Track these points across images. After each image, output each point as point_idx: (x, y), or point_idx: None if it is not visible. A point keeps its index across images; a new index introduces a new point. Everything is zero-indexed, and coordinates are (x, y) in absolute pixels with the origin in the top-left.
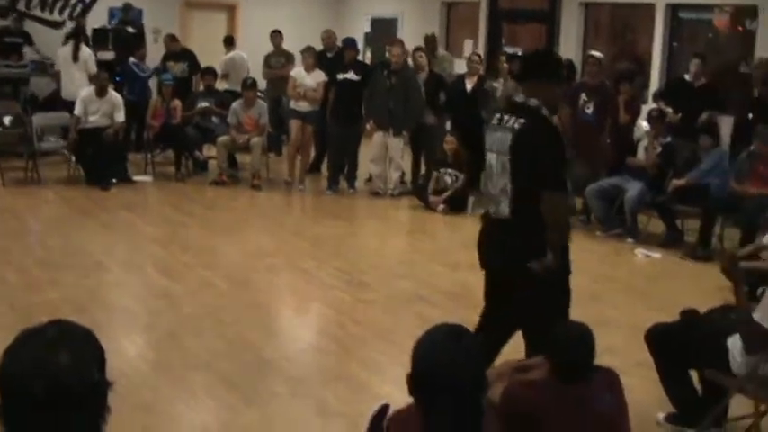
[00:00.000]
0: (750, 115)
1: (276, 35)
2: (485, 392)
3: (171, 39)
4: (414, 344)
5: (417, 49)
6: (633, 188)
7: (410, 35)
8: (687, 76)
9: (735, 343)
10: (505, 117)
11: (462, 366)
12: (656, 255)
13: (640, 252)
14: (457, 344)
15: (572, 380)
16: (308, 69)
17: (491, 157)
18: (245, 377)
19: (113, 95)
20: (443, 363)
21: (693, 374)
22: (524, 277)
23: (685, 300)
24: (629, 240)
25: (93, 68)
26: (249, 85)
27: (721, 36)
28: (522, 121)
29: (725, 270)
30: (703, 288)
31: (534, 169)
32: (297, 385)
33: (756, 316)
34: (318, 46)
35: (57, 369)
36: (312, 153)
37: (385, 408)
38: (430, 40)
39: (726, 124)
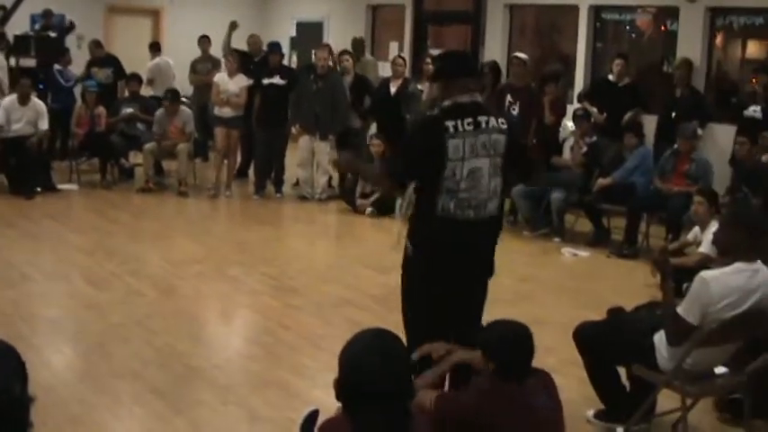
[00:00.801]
0: (673, 114)
1: (204, 40)
2: (412, 397)
3: (96, 45)
4: (341, 350)
5: (343, 52)
6: (559, 188)
7: (336, 38)
8: (611, 77)
9: (661, 339)
10: (480, 119)
11: (388, 372)
12: (584, 253)
13: (567, 251)
14: (383, 349)
15: (511, 380)
16: (231, 74)
17: (477, 162)
18: (173, 386)
19: (36, 103)
20: (370, 369)
21: (621, 371)
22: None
23: (614, 297)
24: (556, 240)
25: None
26: (170, 97)
27: (644, 36)
28: (502, 120)
29: (656, 263)
30: (630, 286)
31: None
32: (226, 393)
33: (680, 310)
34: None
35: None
36: (239, 158)
37: (315, 413)
38: (358, 44)
39: (649, 123)
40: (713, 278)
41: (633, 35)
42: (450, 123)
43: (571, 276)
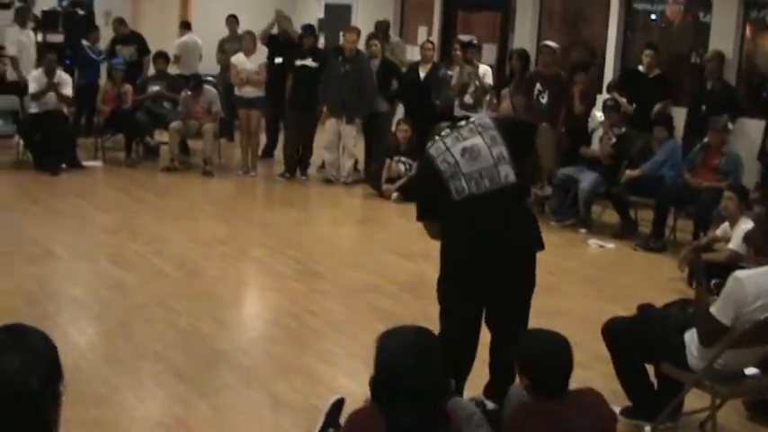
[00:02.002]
0: (703, 107)
1: (232, 20)
2: (447, 397)
3: (119, 22)
4: (377, 347)
5: (371, 36)
6: (587, 179)
7: (364, 21)
8: (641, 67)
9: (692, 337)
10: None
11: (424, 371)
12: (610, 245)
13: (594, 243)
14: (419, 348)
15: (547, 397)
16: (248, 53)
17: (467, 143)
18: (196, 368)
19: (62, 76)
20: (405, 367)
21: (650, 369)
22: (528, 247)
23: (640, 291)
24: (583, 231)
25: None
26: (193, 83)
27: (673, 27)
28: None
29: (688, 261)
30: (657, 279)
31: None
32: (249, 377)
33: (713, 310)
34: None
35: (4, 374)
36: (263, 139)
37: (341, 401)
38: (382, 26)
39: (678, 116)
40: (748, 278)
41: (663, 25)
42: (435, 148)
43: (597, 268)
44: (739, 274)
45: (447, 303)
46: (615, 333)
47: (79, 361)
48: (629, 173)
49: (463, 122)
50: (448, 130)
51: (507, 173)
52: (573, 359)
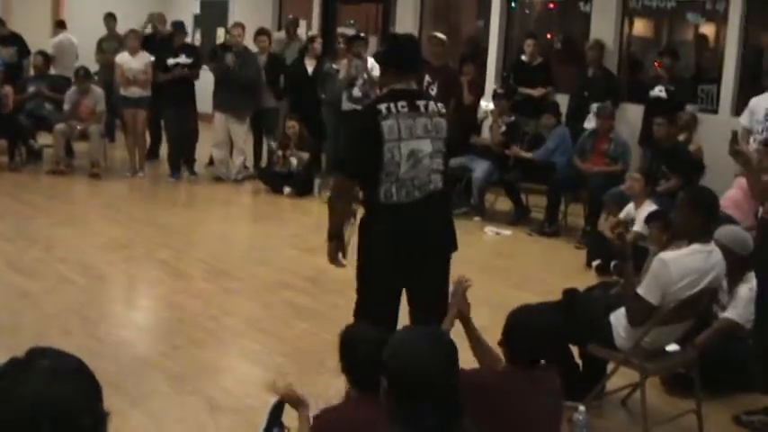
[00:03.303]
0: (585, 93)
1: (109, 18)
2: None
3: None
4: (388, 351)
5: (260, 32)
6: (480, 167)
7: (240, 17)
8: (524, 57)
9: (618, 318)
10: (418, 102)
11: (445, 374)
12: (506, 232)
13: (490, 230)
14: (439, 351)
15: (521, 366)
16: (133, 52)
17: (418, 144)
18: (125, 377)
19: None
20: (428, 372)
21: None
22: (448, 248)
23: (541, 275)
24: (477, 219)
25: None
26: (82, 75)
27: (556, 17)
28: (441, 104)
29: (615, 244)
30: (556, 263)
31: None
32: (180, 382)
33: (640, 290)
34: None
35: (63, 403)
36: (147, 139)
37: (280, 404)
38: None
39: (562, 102)
40: (672, 259)
41: (545, 16)
42: (382, 106)
43: (497, 255)
44: (664, 255)
45: (368, 287)
46: None
47: None
48: (515, 149)
49: (422, 106)
50: (405, 109)
51: (437, 181)
52: (556, 338)
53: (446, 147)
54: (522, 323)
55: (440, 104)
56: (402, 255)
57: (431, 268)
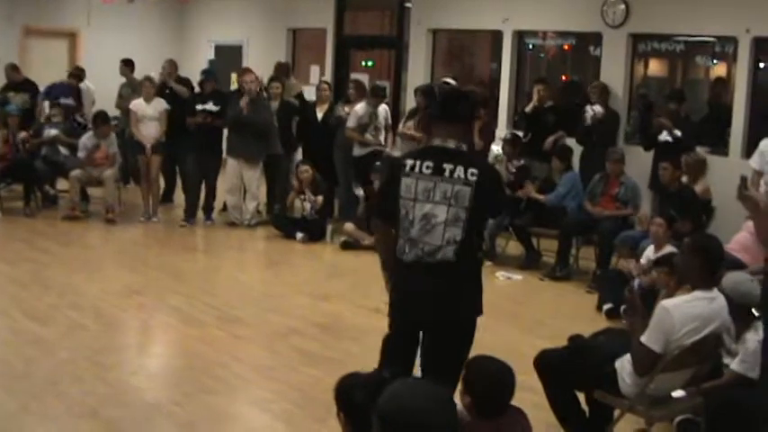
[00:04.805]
0: (594, 137)
1: (123, 65)
2: None
3: (12, 68)
4: (390, 407)
5: (273, 78)
6: None
7: (255, 62)
8: (532, 103)
9: (623, 365)
10: (445, 166)
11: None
12: (517, 277)
13: (501, 275)
14: (444, 409)
15: (487, 416)
16: (148, 99)
17: (433, 209)
18: (135, 424)
19: None
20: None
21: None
22: (464, 324)
23: (552, 320)
24: (488, 263)
25: None
26: (101, 119)
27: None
28: (473, 171)
29: (627, 300)
30: (566, 307)
31: (494, 214)
32: (190, 430)
33: (644, 339)
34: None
35: None
36: (161, 183)
37: None
38: (282, 68)
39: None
40: (674, 307)
41: (555, 59)
42: (409, 162)
43: (508, 300)
44: (666, 303)
45: (390, 323)
46: (548, 364)
47: (10, 423)
48: (527, 189)
49: (448, 170)
50: (429, 171)
51: (449, 253)
52: (515, 384)
53: (474, 215)
54: (479, 373)
55: (472, 171)
56: (407, 313)
57: (433, 337)
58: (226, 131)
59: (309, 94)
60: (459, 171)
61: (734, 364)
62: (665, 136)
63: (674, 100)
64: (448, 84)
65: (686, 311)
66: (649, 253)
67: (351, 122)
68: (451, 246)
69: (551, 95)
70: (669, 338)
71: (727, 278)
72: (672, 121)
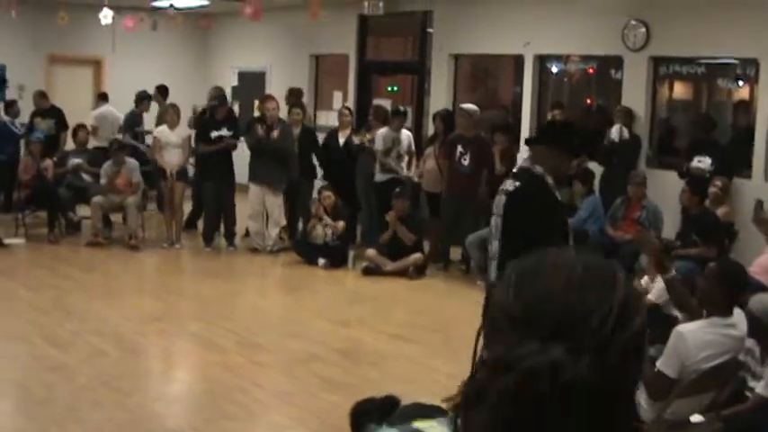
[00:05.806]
0: (615, 160)
1: (157, 92)
2: None
3: (40, 95)
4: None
5: (293, 104)
6: None
7: (278, 88)
8: None
9: (641, 390)
10: (507, 181)
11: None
12: None
13: None
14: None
15: None
16: (172, 126)
17: (492, 221)
18: None
19: None
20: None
21: None
22: None
23: None
24: None
25: None
26: (116, 147)
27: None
28: (516, 183)
29: None
30: None
31: (524, 232)
32: None
33: (659, 365)
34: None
35: None
36: (186, 210)
37: None
38: (295, 93)
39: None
40: (689, 332)
41: (578, 83)
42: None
43: None
44: (681, 328)
45: None
46: None
47: None
48: None
49: (504, 184)
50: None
51: (491, 272)
52: None
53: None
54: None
55: (512, 181)
56: None
57: None
58: (242, 156)
59: (331, 119)
60: (508, 182)
61: (759, 388)
62: (696, 162)
63: (703, 127)
64: (464, 110)
65: (701, 337)
66: (647, 279)
67: (378, 146)
68: (493, 261)
69: (573, 120)
70: (684, 363)
71: (755, 300)
72: (704, 149)
